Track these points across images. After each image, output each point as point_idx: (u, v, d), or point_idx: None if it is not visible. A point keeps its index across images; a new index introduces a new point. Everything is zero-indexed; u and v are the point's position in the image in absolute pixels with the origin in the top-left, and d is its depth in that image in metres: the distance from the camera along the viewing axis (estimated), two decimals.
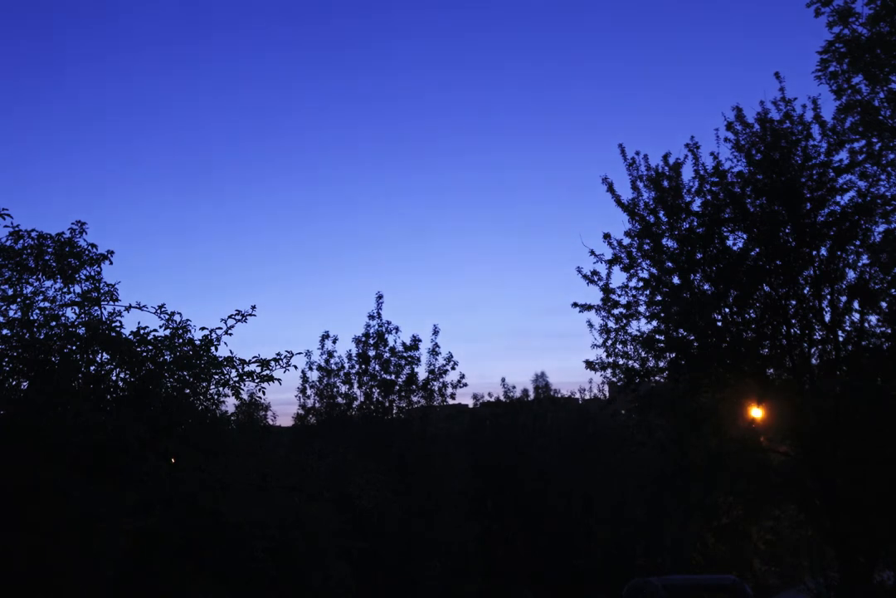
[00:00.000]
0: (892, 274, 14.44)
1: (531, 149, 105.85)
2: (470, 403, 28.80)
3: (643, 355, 15.66)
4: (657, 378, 15.86)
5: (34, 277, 9.15)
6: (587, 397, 29.63)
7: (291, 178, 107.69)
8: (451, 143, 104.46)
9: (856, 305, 14.80)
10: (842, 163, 14.78)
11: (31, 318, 8.87)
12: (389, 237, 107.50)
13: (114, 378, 8.95)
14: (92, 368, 8.81)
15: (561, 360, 74.41)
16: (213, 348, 9.28)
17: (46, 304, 9.11)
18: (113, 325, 9.04)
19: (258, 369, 9.26)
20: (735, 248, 15.25)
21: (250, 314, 9.47)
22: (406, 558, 18.77)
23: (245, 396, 10.51)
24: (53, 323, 8.92)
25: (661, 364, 15.69)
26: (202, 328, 9.33)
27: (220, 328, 9.34)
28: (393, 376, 21.05)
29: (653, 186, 15.44)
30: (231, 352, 9.35)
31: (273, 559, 8.60)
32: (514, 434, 26.07)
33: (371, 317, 21.38)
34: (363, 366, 21.15)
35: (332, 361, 21.44)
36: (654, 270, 15.55)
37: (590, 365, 15.98)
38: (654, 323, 15.61)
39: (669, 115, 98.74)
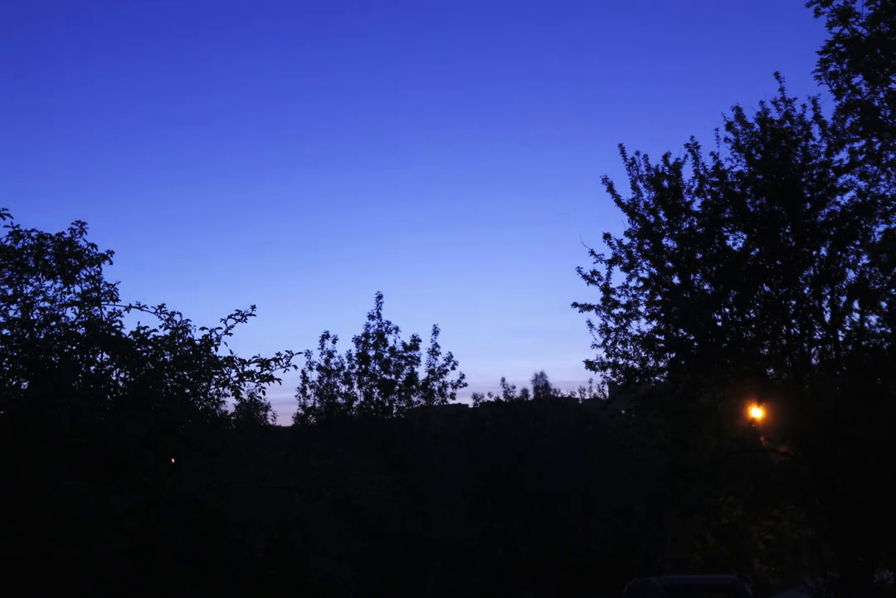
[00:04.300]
0: (892, 274, 14.44)
1: (531, 147, 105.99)
2: (470, 403, 28.85)
3: (643, 355, 15.67)
4: (657, 378, 15.86)
5: (34, 277, 9.13)
6: (587, 397, 29.67)
7: (291, 177, 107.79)
8: (451, 141, 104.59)
9: (856, 305, 14.82)
10: (842, 163, 14.79)
11: (31, 318, 8.86)
12: (389, 237, 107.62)
13: (114, 378, 8.94)
14: (92, 368, 8.80)
15: (561, 360, 74.60)
16: (213, 348, 9.26)
17: (46, 304, 9.10)
18: (113, 325, 9.03)
19: (258, 369, 9.25)
20: (735, 248, 15.26)
21: (250, 314, 9.45)
22: (406, 558, 18.76)
23: (245, 396, 10.49)
24: (53, 323, 8.91)
25: (661, 364, 15.71)
26: (202, 328, 9.32)
27: (220, 328, 9.32)
28: (393, 376, 21.04)
29: (653, 186, 15.44)
30: (231, 352, 9.34)
31: (273, 559, 8.59)
32: (514, 434, 26.07)
33: (371, 317, 21.40)
34: (363, 366, 21.14)
35: (331, 361, 21.44)
36: (654, 270, 15.56)
37: (590, 365, 15.99)
38: (654, 323, 15.63)
39: (669, 115, 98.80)
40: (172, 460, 8.32)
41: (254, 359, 9.26)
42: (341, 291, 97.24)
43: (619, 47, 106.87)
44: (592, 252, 15.78)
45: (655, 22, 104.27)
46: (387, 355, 21.11)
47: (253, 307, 9.47)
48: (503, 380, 27.80)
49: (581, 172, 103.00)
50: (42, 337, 8.72)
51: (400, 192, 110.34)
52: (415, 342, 21.15)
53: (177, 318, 9.29)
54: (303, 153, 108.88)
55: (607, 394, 27.01)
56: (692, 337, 15.20)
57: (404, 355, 21.15)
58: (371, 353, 21.15)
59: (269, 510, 8.36)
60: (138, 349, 8.92)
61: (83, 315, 9.14)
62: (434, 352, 21.22)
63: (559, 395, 29.85)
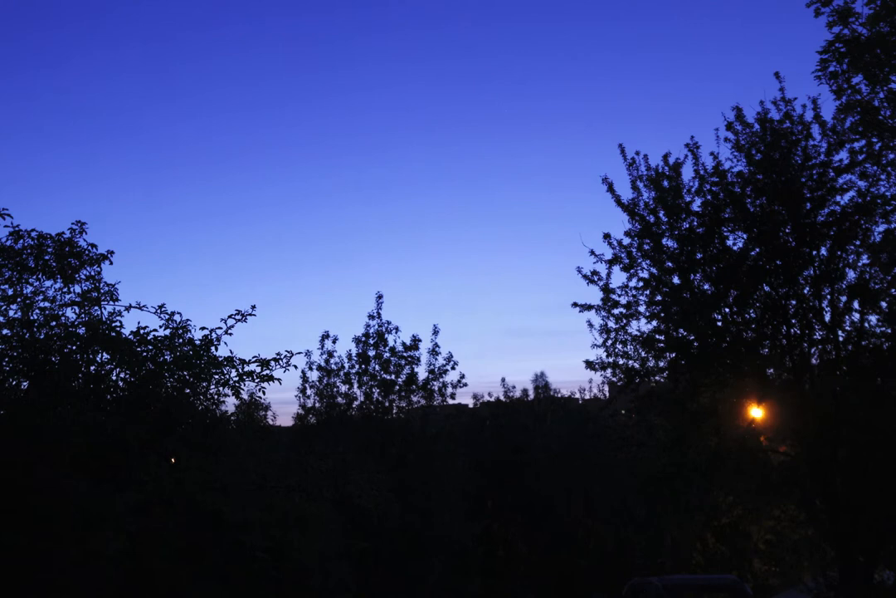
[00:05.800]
0: (892, 274, 14.42)
1: (531, 148, 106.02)
2: (470, 403, 28.89)
3: (643, 355, 15.64)
4: (657, 378, 15.84)
5: (34, 277, 9.14)
6: (587, 397, 29.69)
7: (291, 177, 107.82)
8: (450, 141, 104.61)
9: (856, 305, 14.79)
10: (842, 163, 14.77)
11: (31, 318, 8.87)
12: (390, 237, 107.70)
13: (114, 378, 8.95)
14: (92, 368, 8.81)
15: (561, 360, 74.72)
16: (213, 348, 9.28)
17: (46, 304, 9.12)
18: (113, 325, 9.04)
19: (258, 369, 9.27)
20: (735, 248, 15.23)
21: (250, 314, 9.47)
22: (406, 557, 18.77)
23: (245, 396, 10.50)
24: (53, 323, 8.92)
25: (661, 364, 15.68)
26: (202, 328, 9.34)
27: (220, 328, 9.35)
28: (393, 376, 21.05)
29: (653, 186, 15.43)
30: (231, 352, 9.36)
31: (273, 559, 8.60)
32: (514, 434, 26.08)
33: (371, 317, 21.41)
34: (363, 366, 21.15)
35: (332, 361, 21.45)
36: (654, 270, 15.54)
37: (590, 365, 15.97)
38: (654, 323, 15.60)
39: (669, 115, 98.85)
40: (172, 460, 8.32)
41: (254, 359, 9.28)
42: (341, 291, 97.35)
43: (620, 47, 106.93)
44: (592, 252, 15.77)
45: (655, 21, 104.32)
46: (387, 355, 21.12)
47: (253, 307, 9.50)
48: (503, 380, 27.89)
49: (581, 171, 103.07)
50: (42, 337, 8.73)
51: (400, 192, 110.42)
52: (415, 342, 21.17)
53: (177, 318, 9.32)
54: (303, 152, 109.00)
55: (607, 394, 27.02)
56: (692, 337, 15.18)
57: (404, 355, 21.16)
58: (371, 353, 21.16)
59: (269, 510, 8.37)
60: (138, 349, 8.93)
61: (83, 315, 9.15)
62: (434, 352, 21.25)
63: (559, 395, 29.88)
